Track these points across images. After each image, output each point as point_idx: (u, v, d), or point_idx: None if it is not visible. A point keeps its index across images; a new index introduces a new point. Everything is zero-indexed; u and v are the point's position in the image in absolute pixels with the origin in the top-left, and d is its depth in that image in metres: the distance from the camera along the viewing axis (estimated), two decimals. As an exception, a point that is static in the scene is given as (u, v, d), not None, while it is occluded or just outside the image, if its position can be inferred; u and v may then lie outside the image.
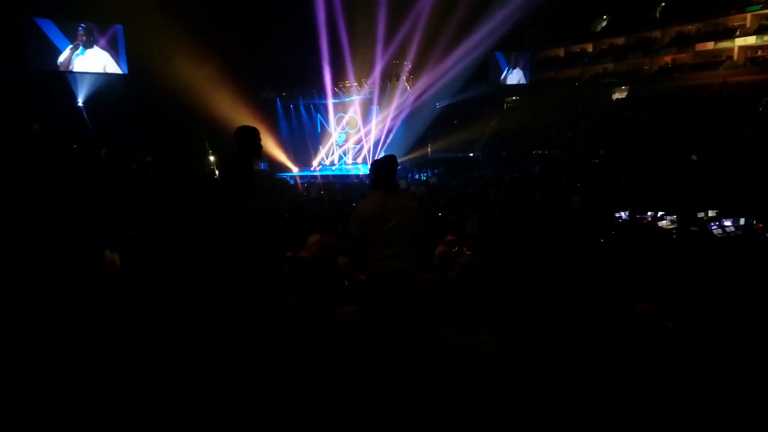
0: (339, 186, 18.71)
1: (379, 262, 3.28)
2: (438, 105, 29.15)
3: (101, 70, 23.38)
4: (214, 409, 1.99)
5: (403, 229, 3.32)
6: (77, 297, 2.47)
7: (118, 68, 23.68)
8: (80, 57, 22.88)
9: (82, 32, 22.68)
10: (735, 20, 24.50)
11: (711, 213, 9.79)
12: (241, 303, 2.77)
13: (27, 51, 21.80)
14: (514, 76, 31.67)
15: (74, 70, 22.92)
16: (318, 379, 2.08)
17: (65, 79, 22.88)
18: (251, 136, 3.41)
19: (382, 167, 3.47)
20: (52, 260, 2.46)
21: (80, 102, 23.09)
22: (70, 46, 22.50)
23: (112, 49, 23.44)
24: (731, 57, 24.09)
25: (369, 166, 3.53)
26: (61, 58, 22.52)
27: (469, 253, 6.20)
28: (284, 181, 21.71)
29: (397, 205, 3.34)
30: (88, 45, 22.86)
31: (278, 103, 27.55)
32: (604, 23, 31.24)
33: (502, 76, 31.32)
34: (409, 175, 22.74)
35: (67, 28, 22.51)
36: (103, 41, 23.15)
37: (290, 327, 2.41)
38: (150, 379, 2.08)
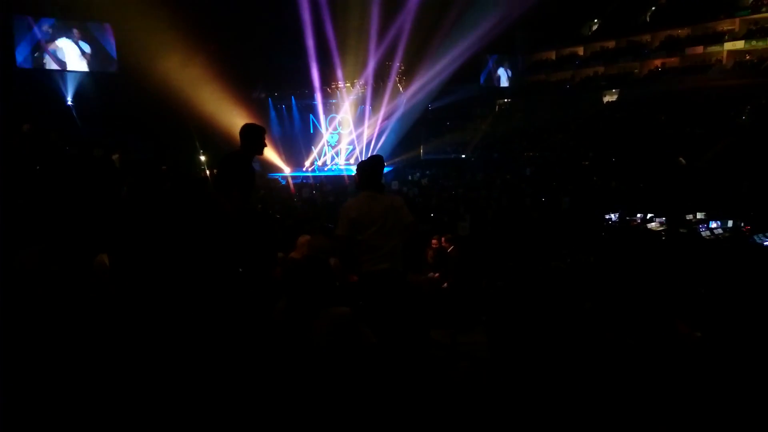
0: (331, 187, 18.67)
1: (372, 262, 3.31)
2: (430, 107, 29.20)
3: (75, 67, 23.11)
4: (206, 409, 1.99)
5: (392, 227, 3.36)
6: (66, 298, 2.46)
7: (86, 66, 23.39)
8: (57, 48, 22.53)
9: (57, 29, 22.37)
10: (724, 25, 24.77)
11: (699, 215, 9.91)
12: (233, 303, 2.78)
13: (16, 49, 21.56)
14: (497, 79, 32.15)
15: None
16: (310, 380, 2.09)
17: (54, 77, 22.63)
18: (257, 133, 3.47)
19: (369, 167, 3.49)
20: (42, 261, 2.45)
21: (69, 100, 22.87)
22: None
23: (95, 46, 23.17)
24: (720, 61, 24.36)
25: (356, 167, 3.56)
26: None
27: (450, 247, 6.21)
28: (276, 181, 21.62)
29: (385, 205, 3.37)
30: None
31: (270, 103, 27.45)
32: (594, 27, 31.45)
33: (482, 79, 31.81)
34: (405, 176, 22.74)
35: (55, 28, 22.26)
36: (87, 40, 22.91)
37: (282, 328, 2.42)
38: (141, 381, 2.08)
